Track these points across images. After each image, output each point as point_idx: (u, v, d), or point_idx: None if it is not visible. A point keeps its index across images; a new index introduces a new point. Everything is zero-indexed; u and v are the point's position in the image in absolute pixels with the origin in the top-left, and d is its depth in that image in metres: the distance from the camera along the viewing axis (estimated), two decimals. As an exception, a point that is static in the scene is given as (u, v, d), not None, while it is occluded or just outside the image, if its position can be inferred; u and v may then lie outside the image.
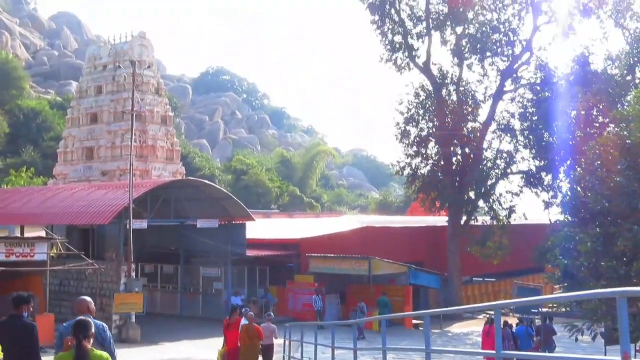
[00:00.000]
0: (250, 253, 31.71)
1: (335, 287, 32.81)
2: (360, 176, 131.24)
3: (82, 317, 7.00)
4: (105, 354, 6.69)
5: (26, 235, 29.73)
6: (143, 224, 26.80)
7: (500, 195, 37.77)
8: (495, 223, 37.43)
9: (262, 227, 35.53)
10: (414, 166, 39.20)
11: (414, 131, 39.21)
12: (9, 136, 68.24)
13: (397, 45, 38.93)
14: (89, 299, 8.23)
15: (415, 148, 39.09)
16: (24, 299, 8.64)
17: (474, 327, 31.50)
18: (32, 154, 67.40)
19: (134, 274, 25.48)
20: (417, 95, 38.84)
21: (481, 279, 43.48)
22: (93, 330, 6.71)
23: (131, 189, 24.87)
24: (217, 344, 23.88)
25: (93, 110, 42.03)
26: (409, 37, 38.61)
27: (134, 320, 25.34)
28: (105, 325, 8.15)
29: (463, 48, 38.13)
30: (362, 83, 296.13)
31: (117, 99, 40.88)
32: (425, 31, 38.49)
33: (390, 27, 38.99)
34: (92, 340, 6.62)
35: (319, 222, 44.35)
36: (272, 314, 19.16)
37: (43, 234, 33.72)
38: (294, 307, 32.68)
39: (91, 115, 42.18)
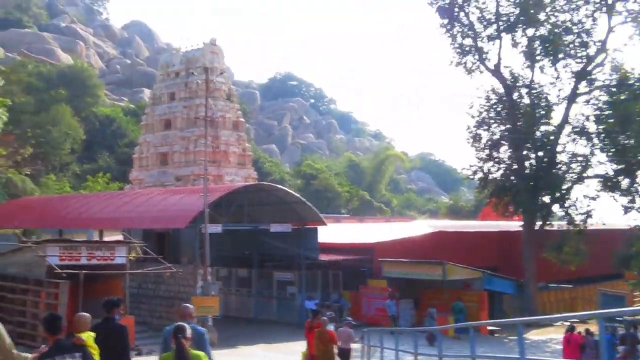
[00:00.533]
0: (322, 257, 31.76)
1: (408, 291, 32.59)
2: (428, 180, 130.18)
3: (180, 322, 8.04)
4: (201, 353, 7.70)
5: (104, 239, 30.57)
6: (218, 228, 27.15)
7: (576, 199, 36.76)
8: (571, 228, 36.48)
9: (333, 231, 35.60)
10: (485, 170, 38.62)
11: (485, 134, 38.64)
12: (85, 142, 70.16)
13: (467, 48, 38.46)
14: (190, 306, 9.68)
15: (486, 152, 38.51)
16: (115, 302, 9.64)
17: (552, 335, 30.77)
18: (107, 160, 69.19)
19: (210, 278, 25.80)
20: (488, 99, 38.24)
21: (555, 285, 42.39)
22: (189, 333, 7.58)
23: (205, 194, 25.24)
24: (293, 347, 24.06)
25: (166, 116, 42.89)
26: (479, 39, 38.10)
27: (210, 323, 25.66)
28: (205, 330, 9.58)
29: (534, 50, 37.35)
30: (429, 87, 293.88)
31: (189, 105, 41.61)
32: (496, 33, 37.89)
33: (460, 30, 38.55)
34: (189, 342, 7.50)
35: (391, 226, 44.05)
36: (350, 318, 19.08)
37: (120, 238, 34.62)
38: (367, 311, 32.60)
39: (165, 121, 43.06)
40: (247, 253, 33.69)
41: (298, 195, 31.88)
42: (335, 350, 16.08)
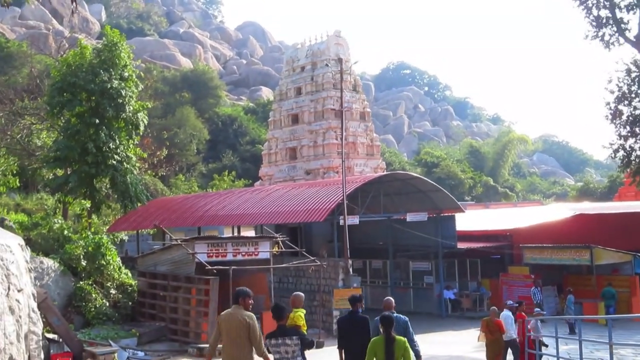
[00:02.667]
0: (460, 245, 30.93)
1: (551, 278, 31.27)
2: (552, 163, 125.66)
3: (386, 313, 9.68)
4: (403, 338, 9.23)
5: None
6: (355, 220, 26.91)
7: None
8: None
9: (465, 219, 34.61)
10: (627, 147, 36.48)
11: (626, 110, 36.51)
12: (210, 142, 72.02)
13: (604, 20, 36.39)
14: (392, 299, 11.65)
15: (628, 128, 36.38)
16: (358, 298, 11.33)
17: None
18: (231, 158, 70.69)
19: (351, 270, 25.60)
20: (629, 72, 36.06)
21: None
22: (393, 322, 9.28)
23: (344, 186, 25.01)
24: (434, 338, 23.56)
25: (294, 111, 43.09)
26: (617, 9, 35.96)
27: (349, 315, 25.45)
28: (407, 318, 11.26)
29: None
30: (546, 66, 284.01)
31: (316, 99, 41.61)
32: (635, 1, 35.65)
33: (595, 1, 36.54)
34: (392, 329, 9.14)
35: (524, 211, 42.49)
36: (540, 309, 18.33)
37: (252, 233, 35.06)
38: (508, 299, 31.47)
39: (292, 116, 43.27)
40: (381, 244, 33.28)
41: (434, 183, 31.17)
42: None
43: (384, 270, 33.86)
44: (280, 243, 23.72)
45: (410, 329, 10.97)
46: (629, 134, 36.48)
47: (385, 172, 38.19)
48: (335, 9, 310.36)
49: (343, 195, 24.87)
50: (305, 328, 12.65)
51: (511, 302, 17.30)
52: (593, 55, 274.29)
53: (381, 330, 9.21)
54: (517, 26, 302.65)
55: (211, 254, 21.97)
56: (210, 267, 20.44)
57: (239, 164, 69.42)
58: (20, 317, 15.04)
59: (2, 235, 14.67)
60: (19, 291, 14.78)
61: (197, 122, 69.48)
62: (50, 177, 41.94)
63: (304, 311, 13.23)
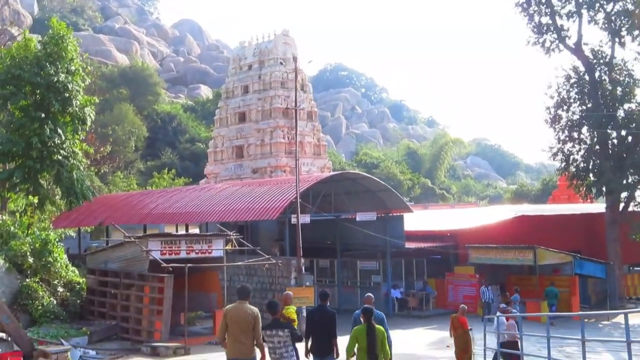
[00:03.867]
0: (406, 245, 31.31)
1: (494, 278, 31.97)
2: (485, 166, 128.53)
3: (367, 306, 11.11)
4: (382, 327, 10.91)
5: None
6: (306, 219, 26.95)
7: (665, 178, 35.53)
8: (659, 208, 35.35)
9: (408, 219, 35.06)
10: (566, 151, 37.68)
11: (565, 115, 37.71)
12: (148, 140, 70.97)
13: (545, 27, 37.52)
14: (372, 295, 12.49)
15: (566, 132, 37.57)
16: (326, 294, 12.09)
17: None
18: (170, 156, 69.86)
19: (303, 268, 25.61)
20: (568, 78, 37.25)
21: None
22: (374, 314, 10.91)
23: (297, 184, 25.03)
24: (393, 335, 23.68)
25: (241, 109, 42.81)
26: (558, 17, 37.11)
27: (304, 314, 25.44)
28: (383, 314, 12.42)
29: (616, 25, 36.19)
30: (480, 71, 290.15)
31: (264, 97, 41.45)
32: (575, 9, 36.85)
33: (536, 8, 37.61)
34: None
35: (465, 212, 43.37)
36: (504, 305, 18.24)
37: (196, 232, 34.68)
38: (454, 299, 32.06)
39: (239, 114, 42.97)
40: (329, 243, 33.39)
41: (384, 183, 31.48)
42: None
43: (331, 269, 33.98)
44: (234, 241, 23.52)
45: (386, 324, 11.91)
46: (567, 138, 37.72)
47: (335, 172, 38.35)
48: (273, 8, 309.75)
49: (297, 193, 24.88)
50: (296, 323, 14.20)
51: (504, 306, 17.56)
52: (527, 61, 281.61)
53: (362, 320, 10.88)
54: (452, 31, 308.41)
55: (165, 252, 21.63)
56: (166, 265, 20.11)
57: (178, 162, 68.64)
58: (-28, 315, 14.56)
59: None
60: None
61: (136, 119, 68.38)
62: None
63: (295, 308, 15.08)
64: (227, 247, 23.26)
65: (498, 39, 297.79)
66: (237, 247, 23.70)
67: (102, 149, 40.26)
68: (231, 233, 23.55)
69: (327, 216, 29.72)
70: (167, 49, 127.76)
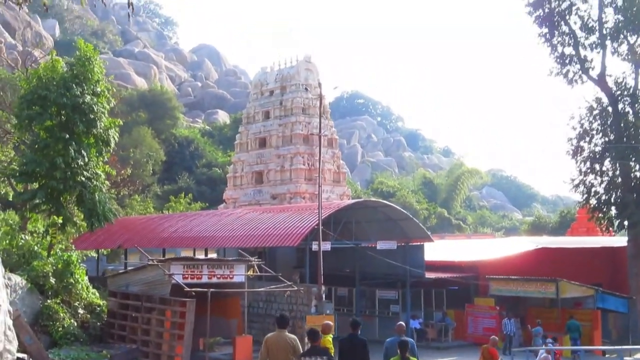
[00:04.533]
0: (427, 275, 31.05)
1: (514, 310, 31.61)
2: (500, 197, 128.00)
3: (404, 339, 12.07)
4: (415, 358, 11.70)
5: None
6: (327, 246, 26.78)
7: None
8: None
9: (427, 249, 34.84)
10: (587, 183, 37.35)
11: (587, 147, 37.46)
12: (165, 164, 71.14)
13: (568, 58, 37.43)
14: (403, 323, 13.92)
15: (588, 164, 37.28)
16: (358, 322, 12.76)
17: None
18: (187, 180, 69.97)
19: (323, 296, 25.39)
20: (591, 109, 37.07)
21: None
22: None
23: (320, 211, 24.91)
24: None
25: (261, 134, 42.86)
26: (581, 47, 37.03)
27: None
28: (413, 341, 13.22)
29: (639, 56, 36.05)
30: (496, 101, 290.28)
31: (284, 123, 41.49)
32: (599, 41, 36.76)
33: (560, 39, 37.55)
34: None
35: (485, 243, 43.05)
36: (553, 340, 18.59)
37: (215, 256, 34.56)
38: (473, 330, 31.72)
39: (259, 139, 43.01)
40: (347, 271, 33.16)
41: (405, 212, 31.31)
42: None
43: (349, 297, 33.73)
44: (255, 267, 23.39)
45: (416, 350, 12.80)
46: (589, 170, 37.42)
47: (356, 200, 38.21)
48: (292, 36, 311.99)
49: (319, 220, 24.75)
50: (333, 351, 14.96)
51: (550, 341, 17.60)
52: (544, 92, 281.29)
53: (398, 351, 11.56)
54: (470, 62, 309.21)
55: (187, 276, 21.51)
56: (189, 289, 19.97)
57: (194, 187, 68.70)
58: (-3, 334, 14.46)
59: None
60: (-3, 308, 14.24)
61: (154, 142, 68.60)
62: (12, 192, 40.89)
63: (331, 336, 16.00)
64: (248, 273, 23.12)
65: (514, 71, 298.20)
66: (259, 273, 23.53)
67: (122, 172, 40.37)
68: (252, 259, 23.41)
69: (347, 244, 29.52)
70: (185, 74, 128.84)
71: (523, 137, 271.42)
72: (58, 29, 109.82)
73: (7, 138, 37.74)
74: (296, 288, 23.11)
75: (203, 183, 71.26)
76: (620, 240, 40.57)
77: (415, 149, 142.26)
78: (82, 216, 28.84)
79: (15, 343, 16.35)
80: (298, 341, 10.93)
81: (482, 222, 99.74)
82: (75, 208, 28.60)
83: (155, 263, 21.69)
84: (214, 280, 22.23)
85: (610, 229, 38.41)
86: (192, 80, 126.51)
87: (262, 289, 23.58)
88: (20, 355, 18.03)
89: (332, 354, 13.57)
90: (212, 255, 36.08)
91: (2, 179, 39.35)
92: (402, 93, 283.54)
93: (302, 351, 10.91)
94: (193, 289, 20.20)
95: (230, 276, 22.72)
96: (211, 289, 20.50)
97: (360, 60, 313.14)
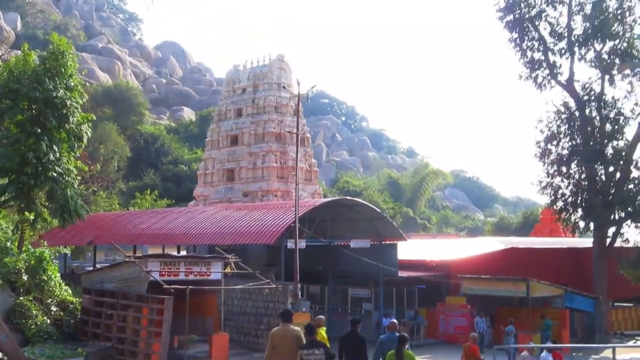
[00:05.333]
0: (400, 274, 31.21)
1: (484, 309, 31.91)
2: (463, 197, 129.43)
3: (404, 334, 12.75)
4: (411, 352, 12.47)
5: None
6: (302, 244, 26.74)
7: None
8: (646, 244, 35.66)
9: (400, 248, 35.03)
10: (555, 185, 38.02)
11: (554, 150, 38.12)
12: (130, 160, 70.44)
13: (537, 63, 38.04)
14: (395, 321, 14.88)
15: (555, 167, 37.95)
16: (358, 320, 13.94)
17: (631, 354, 29.91)
18: (152, 177, 69.36)
19: (299, 294, 25.36)
20: (559, 113, 37.75)
21: (629, 304, 41.31)
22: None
23: (297, 209, 24.87)
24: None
25: (233, 132, 42.63)
26: (550, 53, 37.68)
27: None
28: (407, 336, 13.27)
29: (608, 63, 36.81)
30: (458, 103, 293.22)
31: (257, 121, 41.34)
32: (567, 47, 37.43)
33: (530, 44, 38.16)
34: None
35: (454, 243, 43.47)
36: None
37: (183, 254, 34.23)
38: (444, 329, 31.98)
39: (231, 137, 42.79)
40: (320, 269, 33.17)
41: (379, 211, 31.44)
42: None
43: (321, 295, 33.70)
44: (232, 264, 23.26)
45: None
46: (556, 173, 38.08)
47: (332, 198, 38.27)
48: (257, 33, 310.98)
49: (296, 218, 24.73)
50: (328, 342, 14.91)
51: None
52: (506, 95, 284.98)
53: (397, 345, 12.28)
54: (432, 63, 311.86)
55: (164, 273, 21.30)
56: (168, 287, 19.79)
57: (160, 183, 68.18)
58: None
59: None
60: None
61: (119, 138, 67.92)
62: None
63: (325, 329, 16.61)
64: (225, 271, 23.00)
65: (479, 74, 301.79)
66: (235, 270, 23.41)
67: (92, 168, 39.84)
68: (229, 256, 23.29)
69: (322, 242, 29.52)
70: (150, 70, 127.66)
71: (485, 139, 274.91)
72: (20, 23, 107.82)
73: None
74: (274, 286, 23.05)
75: (169, 180, 70.72)
76: (584, 242, 41.41)
77: (380, 149, 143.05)
78: (47, 212, 28.48)
79: (-7, 341, 16.10)
80: (302, 333, 11.90)
81: (446, 222, 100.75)
82: (45, 204, 28.11)
83: (132, 260, 21.43)
84: (191, 277, 22.06)
85: (573, 230, 39.18)
86: (157, 77, 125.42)
87: (240, 287, 23.46)
88: (-5, 353, 17.75)
89: (328, 344, 13.85)
90: (182, 253, 35.79)
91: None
92: (366, 93, 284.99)
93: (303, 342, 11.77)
94: (171, 286, 20.02)
95: (207, 273, 22.57)
96: (190, 286, 20.34)
97: (324, 60, 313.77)
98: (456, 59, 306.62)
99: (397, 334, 12.89)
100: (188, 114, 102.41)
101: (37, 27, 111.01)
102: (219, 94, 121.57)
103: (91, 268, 35.31)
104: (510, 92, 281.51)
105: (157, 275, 20.86)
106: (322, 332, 15.90)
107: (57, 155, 26.53)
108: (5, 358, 17.76)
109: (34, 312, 21.52)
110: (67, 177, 26.90)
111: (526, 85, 38.74)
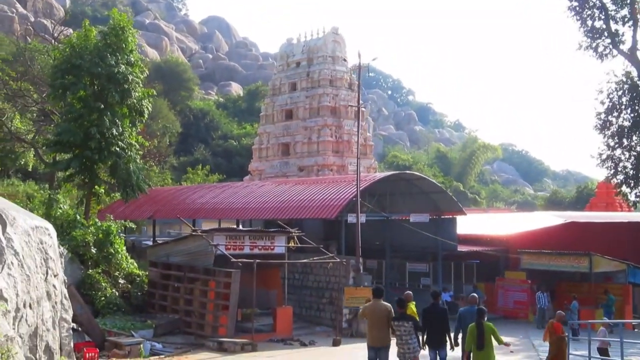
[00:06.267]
0: (460, 248, 30.98)
1: (544, 284, 31.53)
2: (511, 171, 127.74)
3: (481, 307, 13.26)
4: (490, 324, 12.73)
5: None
6: (362, 218, 26.66)
7: None
8: None
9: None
10: (615, 157, 37.16)
11: (615, 121, 37.21)
12: (181, 136, 71.02)
13: (598, 32, 37.00)
14: (476, 295, 14.98)
15: (616, 139, 37.06)
16: (438, 293, 14.84)
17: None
18: (203, 153, 69.86)
19: (361, 268, 25.35)
20: (620, 83, 36.74)
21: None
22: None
23: (358, 182, 24.79)
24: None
25: (288, 106, 42.57)
26: (611, 21, 36.59)
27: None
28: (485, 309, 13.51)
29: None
30: (507, 76, 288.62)
31: (311, 95, 41.20)
32: (629, 14, 36.30)
33: (590, 12, 37.08)
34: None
35: (510, 217, 42.92)
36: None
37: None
38: (504, 304, 31.74)
39: (286, 111, 42.74)
40: (377, 244, 33.08)
41: (438, 185, 31.16)
42: None
43: (379, 270, 33.66)
44: (295, 238, 23.34)
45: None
46: (617, 145, 37.20)
47: (392, 172, 38.12)
48: (303, 8, 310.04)
49: (357, 192, 24.65)
50: (417, 316, 15.55)
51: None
52: (556, 66, 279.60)
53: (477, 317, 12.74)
54: (480, 35, 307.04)
55: (229, 247, 21.55)
56: (235, 260, 19.94)
57: (210, 159, 68.69)
58: (56, 303, 14.44)
59: (35, 217, 14.02)
60: (55, 276, 14.22)
61: (170, 114, 68.44)
62: (32, 163, 40.82)
63: (414, 303, 16.88)
64: (289, 245, 23.10)
65: (526, 45, 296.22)
66: (299, 245, 23.48)
67: (150, 143, 40.26)
68: (293, 230, 23.36)
69: (383, 216, 29.39)
70: (196, 45, 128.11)
71: (534, 112, 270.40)
72: (69, 0, 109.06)
73: (29, 109, 37.64)
74: (338, 260, 23.06)
75: (219, 155, 71.19)
76: (645, 215, 40.52)
77: (426, 123, 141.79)
78: (108, 187, 28.85)
79: (71, 312, 16.34)
80: (392, 308, 12.73)
81: (495, 197, 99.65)
82: (108, 178, 28.51)
83: (199, 234, 21.63)
84: (256, 251, 22.25)
85: (635, 205, 38.33)
86: (203, 52, 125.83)
87: (305, 260, 23.53)
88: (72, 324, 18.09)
89: (417, 318, 14.69)
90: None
91: (24, 150, 39.36)
92: (412, 66, 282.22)
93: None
94: (239, 260, 20.17)
95: (272, 247, 22.78)
96: (257, 260, 20.47)
97: (370, 33, 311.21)
98: (505, 29, 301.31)
99: (477, 307, 13.28)
100: (236, 89, 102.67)
101: (85, 3, 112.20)
102: (265, 68, 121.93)
103: (149, 242, 35.90)
104: (561, 63, 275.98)
105: (222, 249, 21.04)
106: (412, 306, 16.45)
107: (120, 130, 26.83)
108: (80, 329, 18.10)
109: (103, 284, 21.90)
110: (129, 152, 27.21)
111: (586, 55, 37.70)
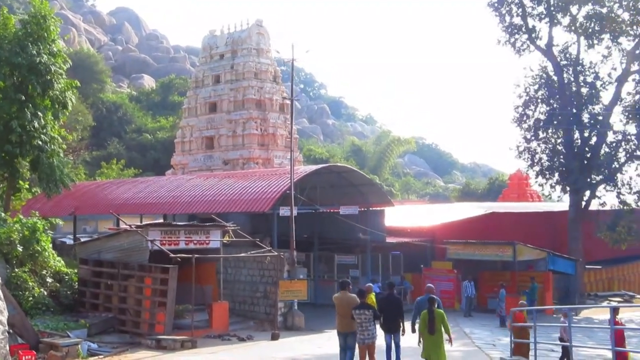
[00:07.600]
0: (387, 240, 31.33)
1: (468, 273, 32.33)
2: (422, 164, 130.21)
3: (432, 295, 14.07)
4: (441, 311, 13.66)
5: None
6: (294, 211, 26.57)
7: (630, 179, 36.73)
8: (622, 207, 36.52)
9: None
10: (532, 149, 38.53)
11: (532, 114, 38.57)
12: (93, 129, 68.84)
13: (516, 27, 38.25)
14: (432, 285, 16.31)
15: (533, 132, 38.41)
16: (393, 284, 16.21)
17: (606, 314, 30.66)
18: (117, 147, 67.96)
19: (295, 261, 25.28)
20: (540, 77, 38.10)
21: (599, 267, 42.25)
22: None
23: (292, 176, 24.69)
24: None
25: (212, 99, 41.85)
26: (529, 18, 37.89)
27: (296, 307, 25.20)
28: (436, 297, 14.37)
29: (584, 28, 37.14)
30: (414, 69, 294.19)
31: (236, 88, 40.65)
32: (545, 11, 37.66)
33: (508, 8, 38.30)
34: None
35: (432, 208, 43.75)
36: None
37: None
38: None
39: (210, 104, 42.01)
40: (305, 236, 33.04)
41: (368, 177, 31.38)
42: None
43: (307, 262, 33.60)
44: (230, 232, 23.04)
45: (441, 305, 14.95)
46: (533, 137, 38.56)
47: (323, 165, 38.00)
48: (208, 2, 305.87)
49: (291, 185, 24.58)
50: (376, 306, 15.91)
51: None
52: (460, 60, 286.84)
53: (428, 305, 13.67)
54: (389, 29, 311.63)
55: (164, 242, 21.04)
56: (174, 256, 19.49)
57: (125, 153, 66.78)
58: (-11, 305, 13.78)
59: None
60: (-11, 277, 13.53)
61: (82, 107, 66.12)
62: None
63: (374, 294, 18.39)
64: (224, 239, 22.78)
65: (433, 38, 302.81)
66: (234, 239, 23.19)
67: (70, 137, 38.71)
68: (228, 224, 23.06)
69: (314, 209, 29.39)
70: (105, 37, 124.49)
71: (442, 106, 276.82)
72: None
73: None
74: (276, 254, 22.90)
75: (133, 149, 69.35)
76: (557, 206, 42.14)
77: (338, 117, 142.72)
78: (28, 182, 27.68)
79: (6, 314, 15.61)
80: (357, 299, 13.99)
81: (408, 189, 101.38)
82: (30, 173, 27.32)
83: (134, 229, 21.02)
84: (191, 246, 21.85)
85: (542, 194, 39.86)
86: (112, 44, 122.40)
87: (242, 255, 23.26)
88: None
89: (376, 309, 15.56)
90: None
91: None
92: (324, 61, 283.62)
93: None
94: (178, 255, 19.74)
95: (207, 242, 22.40)
96: (195, 255, 20.09)
97: (281, 27, 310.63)
98: (419, 24, 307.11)
99: (429, 296, 14.12)
100: (148, 81, 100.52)
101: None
102: (177, 61, 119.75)
103: (66, 240, 34.66)
104: (470, 58, 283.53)
105: (158, 244, 20.54)
106: (372, 296, 17.61)
107: (42, 122, 25.77)
108: (11, 330, 17.27)
109: (31, 284, 21.00)
110: (52, 146, 26.18)
111: (504, 50, 38.89)
